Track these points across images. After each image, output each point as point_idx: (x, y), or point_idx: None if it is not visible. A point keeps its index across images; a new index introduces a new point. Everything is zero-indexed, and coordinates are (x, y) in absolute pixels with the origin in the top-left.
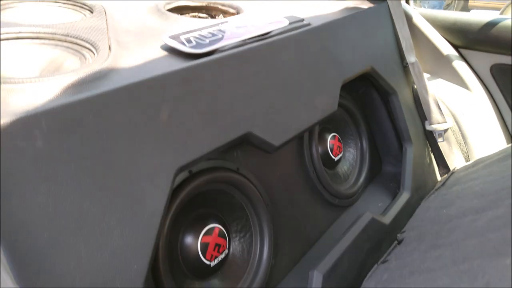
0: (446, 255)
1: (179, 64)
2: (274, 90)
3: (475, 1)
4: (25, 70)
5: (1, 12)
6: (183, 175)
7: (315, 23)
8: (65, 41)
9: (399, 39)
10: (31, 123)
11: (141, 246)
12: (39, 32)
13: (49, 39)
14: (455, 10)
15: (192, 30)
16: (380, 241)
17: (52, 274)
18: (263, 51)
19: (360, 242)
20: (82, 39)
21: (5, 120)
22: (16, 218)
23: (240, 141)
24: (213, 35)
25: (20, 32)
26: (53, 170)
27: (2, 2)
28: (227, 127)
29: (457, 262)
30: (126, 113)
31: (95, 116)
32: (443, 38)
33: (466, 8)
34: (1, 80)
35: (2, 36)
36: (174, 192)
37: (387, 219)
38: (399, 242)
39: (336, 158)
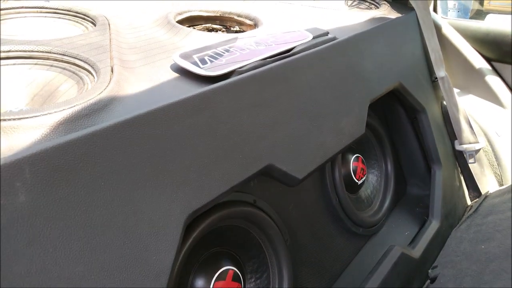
0: None
1: (192, 90)
2: (297, 115)
3: (491, 5)
4: (14, 95)
5: None
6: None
7: (340, 37)
8: (62, 61)
9: (427, 51)
10: (12, 173)
11: None
12: (32, 51)
13: (43, 58)
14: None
15: (206, 47)
16: (410, 279)
17: None
18: (286, 71)
19: (390, 281)
20: (80, 59)
21: None
22: None
23: (259, 175)
24: (230, 53)
25: (10, 51)
26: (39, 230)
27: None
28: (246, 160)
29: None
30: (128, 152)
31: (91, 159)
32: (475, 50)
33: (481, 12)
34: None
35: None
36: (185, 232)
37: (417, 252)
38: (432, 281)
39: (359, 182)
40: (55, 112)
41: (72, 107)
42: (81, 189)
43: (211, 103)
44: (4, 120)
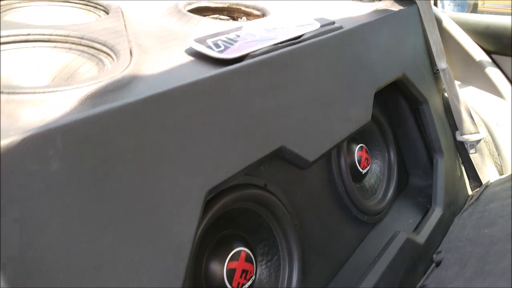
0: (500, 285)
1: (208, 71)
2: (307, 100)
3: (485, 7)
4: (34, 76)
5: (9, 12)
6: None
7: (346, 26)
8: (80, 44)
9: (429, 44)
10: (45, 142)
11: (168, 284)
12: (51, 34)
13: (61, 42)
14: None
15: (219, 33)
16: (415, 263)
17: None
18: (296, 56)
19: (396, 265)
20: (99, 42)
21: (14, 138)
22: (26, 256)
23: (272, 157)
24: (242, 38)
25: (29, 34)
26: (70, 197)
27: (10, 1)
28: (260, 141)
29: None
30: (152, 128)
31: (118, 132)
32: (475, 43)
33: (476, 6)
34: (9, 90)
35: (10, 39)
36: None
37: (421, 238)
38: (437, 265)
39: (363, 171)
40: (82, 86)
41: (97, 82)
42: (110, 161)
43: (226, 85)
44: (34, 93)
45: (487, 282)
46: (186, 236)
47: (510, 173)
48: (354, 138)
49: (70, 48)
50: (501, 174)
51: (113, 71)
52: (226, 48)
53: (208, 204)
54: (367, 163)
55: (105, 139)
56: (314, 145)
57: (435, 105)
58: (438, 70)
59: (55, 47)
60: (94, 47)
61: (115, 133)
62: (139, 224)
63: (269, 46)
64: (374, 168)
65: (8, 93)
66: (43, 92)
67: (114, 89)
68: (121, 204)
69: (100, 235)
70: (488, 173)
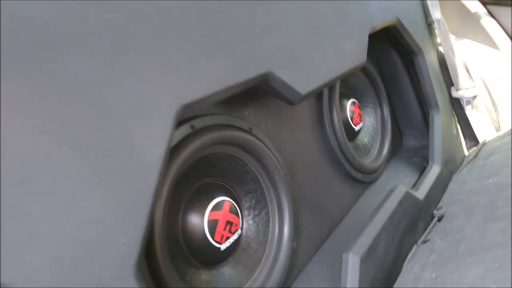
0: None
1: None
2: (298, 26)
3: None
4: None
5: None
6: (185, 130)
7: None
8: None
9: None
10: None
11: (131, 210)
12: None
13: None
14: None
15: None
16: (415, 219)
17: None
18: None
19: (396, 219)
20: None
21: None
22: None
23: (257, 84)
24: None
25: None
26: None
27: None
28: (244, 61)
29: None
30: (109, 16)
31: (63, 15)
32: None
33: None
34: None
35: None
36: (174, 150)
37: (420, 194)
38: (439, 219)
39: (356, 128)
40: None
41: None
42: (54, 43)
43: None
44: None
45: (500, 226)
46: (155, 154)
47: (509, 129)
48: (344, 93)
49: None
50: (498, 131)
51: None
52: None
53: (184, 141)
54: (359, 120)
55: (50, 18)
56: (307, 77)
57: (430, 59)
58: (432, 21)
59: None
60: None
61: (61, 14)
62: (92, 131)
63: None
64: (367, 126)
65: None
66: None
67: None
68: (65, 102)
69: (36, 137)
70: (485, 131)
